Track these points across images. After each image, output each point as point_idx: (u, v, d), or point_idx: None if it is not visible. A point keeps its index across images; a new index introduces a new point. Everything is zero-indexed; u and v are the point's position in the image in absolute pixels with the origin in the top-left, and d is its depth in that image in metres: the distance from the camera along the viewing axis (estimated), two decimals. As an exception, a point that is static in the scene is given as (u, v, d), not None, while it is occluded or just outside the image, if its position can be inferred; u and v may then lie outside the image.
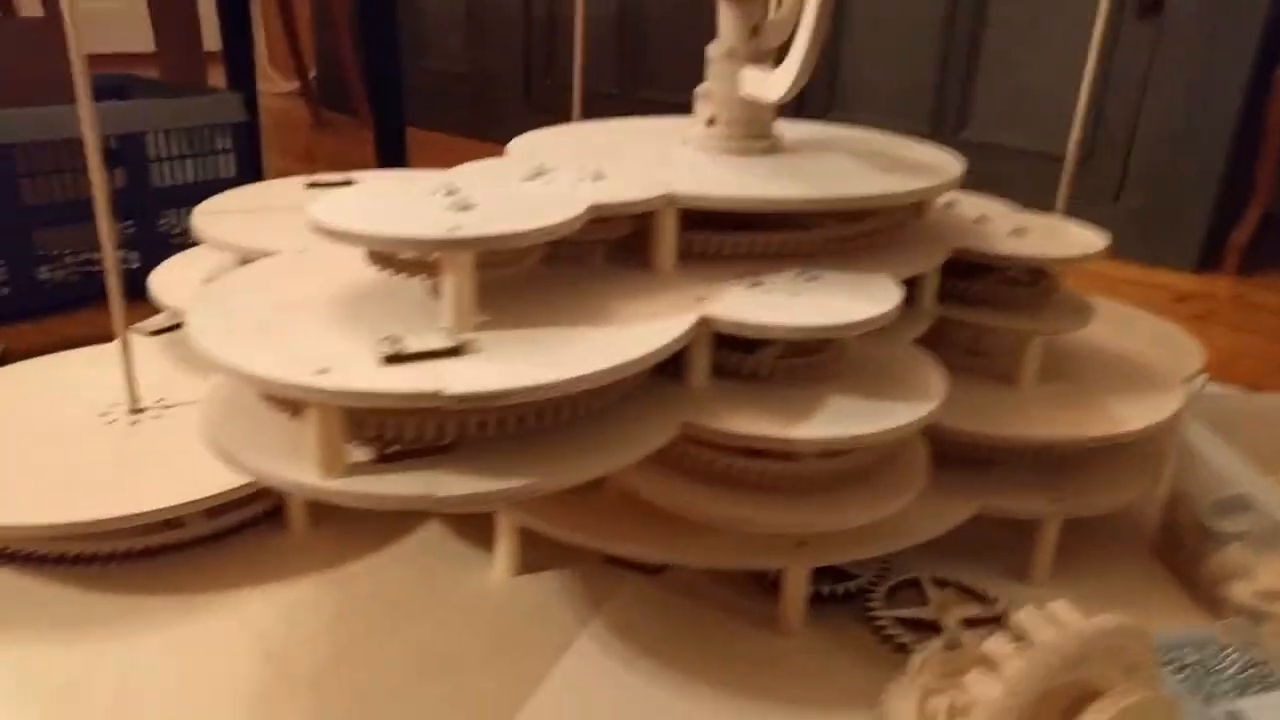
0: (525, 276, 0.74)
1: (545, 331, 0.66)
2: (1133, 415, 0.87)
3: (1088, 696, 0.59)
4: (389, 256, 0.69)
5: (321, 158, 2.82)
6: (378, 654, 0.75)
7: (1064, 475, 0.89)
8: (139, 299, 1.66)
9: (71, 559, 0.83)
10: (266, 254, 0.85)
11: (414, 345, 0.60)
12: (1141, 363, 0.98)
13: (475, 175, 0.78)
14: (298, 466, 0.61)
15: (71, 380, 1.01)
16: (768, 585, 0.83)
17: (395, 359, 0.59)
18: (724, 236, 0.78)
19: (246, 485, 0.83)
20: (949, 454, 0.85)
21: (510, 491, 0.60)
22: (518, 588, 0.84)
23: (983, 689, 0.58)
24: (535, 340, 0.64)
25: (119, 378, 0.97)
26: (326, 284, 0.74)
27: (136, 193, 1.65)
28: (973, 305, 0.90)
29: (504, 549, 0.85)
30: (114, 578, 0.83)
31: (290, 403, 0.64)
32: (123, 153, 1.65)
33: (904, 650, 0.76)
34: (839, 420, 0.69)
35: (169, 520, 0.85)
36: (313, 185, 1.12)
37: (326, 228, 0.63)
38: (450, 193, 0.70)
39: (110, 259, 0.89)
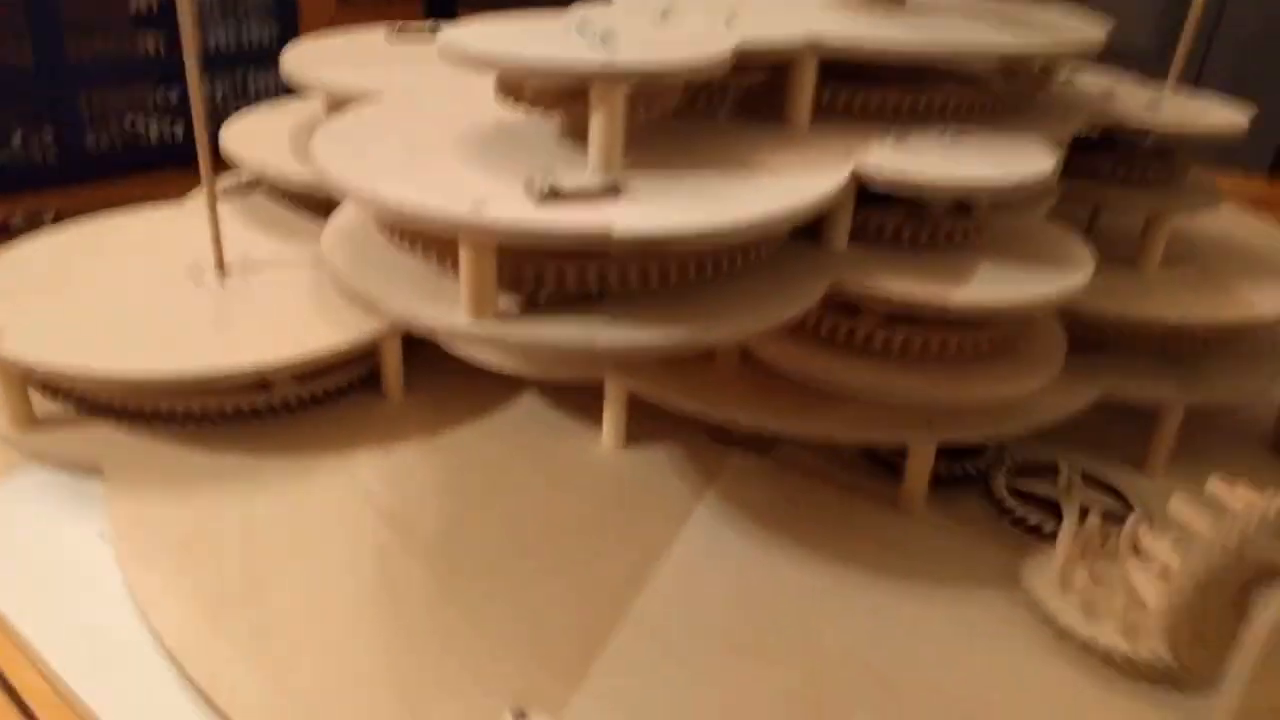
0: (656, 126, 0.69)
1: (696, 178, 0.62)
2: (1265, 301, 0.83)
3: (1262, 576, 0.57)
4: (520, 91, 0.65)
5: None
6: (494, 520, 0.73)
7: (1183, 366, 0.86)
8: (185, 167, 1.62)
9: (179, 416, 0.80)
10: (366, 97, 0.81)
11: (569, 184, 0.56)
12: (1263, 253, 0.94)
13: (602, 15, 0.73)
14: (446, 309, 0.57)
15: (149, 238, 0.97)
16: (884, 464, 0.81)
17: (550, 197, 0.55)
18: (862, 92, 0.73)
19: (347, 346, 0.80)
20: (1070, 337, 0.82)
21: (671, 343, 0.57)
22: (625, 460, 0.82)
23: (1149, 586, 0.56)
24: (690, 186, 0.60)
25: (196, 236, 0.94)
26: (446, 125, 0.69)
27: (180, 55, 1.58)
28: (1099, 181, 0.86)
29: (611, 420, 0.82)
30: (218, 438, 0.80)
31: (428, 243, 0.60)
32: (163, 14, 1.58)
33: (1033, 531, 0.74)
34: (994, 286, 0.66)
35: (265, 382, 0.83)
36: (401, 30, 1.05)
37: (468, 52, 0.59)
38: (584, 28, 0.65)
39: (199, 115, 0.84)
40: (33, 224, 1.28)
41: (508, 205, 0.55)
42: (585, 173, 0.59)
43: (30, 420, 0.80)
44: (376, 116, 0.72)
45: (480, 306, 0.56)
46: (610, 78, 0.57)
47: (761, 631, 0.65)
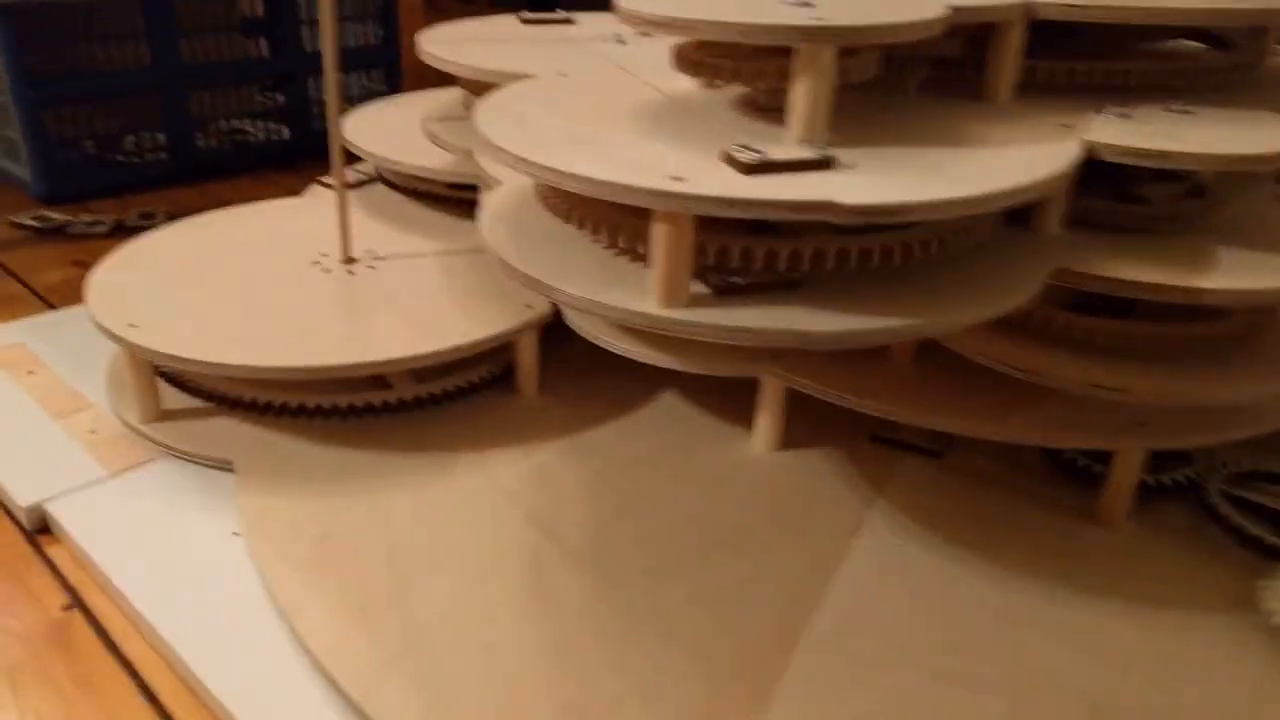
0: (848, 100, 0.63)
1: (907, 152, 0.55)
2: None
3: None
4: (701, 61, 0.59)
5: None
6: (647, 529, 0.67)
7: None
8: (290, 168, 1.61)
9: (308, 410, 0.76)
10: (512, 78, 0.76)
11: (778, 154, 0.50)
12: None
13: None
14: (630, 295, 0.52)
15: (272, 230, 0.94)
16: (1073, 470, 0.73)
17: (758, 168, 0.50)
18: (1066, 64, 0.66)
19: (483, 340, 0.75)
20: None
21: (889, 332, 0.51)
22: (781, 464, 0.75)
23: None
24: (905, 160, 0.54)
25: (319, 228, 0.90)
26: (610, 102, 0.64)
27: (287, 58, 1.57)
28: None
29: (766, 420, 0.76)
30: (348, 433, 0.76)
31: (607, 224, 0.55)
32: (270, 19, 1.57)
33: (1256, 544, 0.66)
34: (1245, 273, 0.58)
35: (395, 377, 0.78)
36: (528, 22, 1.01)
37: (660, 17, 0.53)
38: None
39: (334, 106, 0.80)
40: (146, 224, 1.27)
41: (710, 178, 0.49)
42: (786, 144, 0.53)
43: (159, 413, 0.76)
44: (536, 93, 0.67)
45: (673, 291, 0.51)
46: (822, 37, 0.51)
47: (959, 654, 0.58)
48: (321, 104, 1.71)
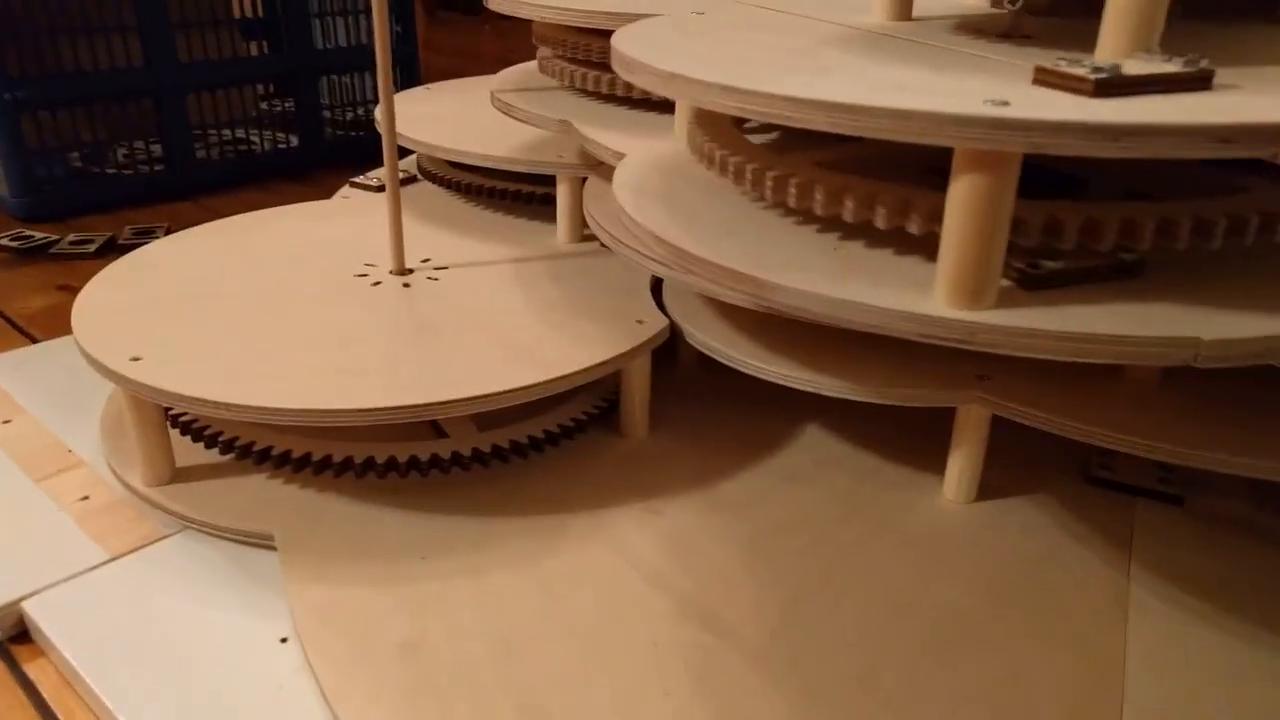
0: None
1: None
2: None
3: None
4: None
5: (437, 45, 2.57)
6: (844, 615, 0.50)
7: None
8: (298, 178, 1.44)
9: (368, 465, 0.58)
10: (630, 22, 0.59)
11: (1138, 70, 0.33)
12: None
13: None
14: (900, 293, 0.34)
15: (303, 237, 0.76)
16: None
17: (1114, 86, 0.32)
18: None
19: (596, 364, 0.57)
20: None
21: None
22: (989, 518, 0.58)
23: None
24: None
25: (358, 235, 0.73)
26: (793, 37, 0.47)
27: (295, 57, 1.40)
28: None
29: (963, 461, 0.58)
30: (423, 493, 0.58)
31: (830, 190, 0.38)
32: (275, 17, 1.41)
33: None
34: None
35: (455, 423, 0.61)
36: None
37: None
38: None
39: (386, 86, 0.62)
40: (142, 241, 1.09)
41: (1048, 103, 0.32)
42: (1139, 59, 0.36)
43: (172, 472, 0.58)
44: (693, 28, 0.50)
45: (978, 282, 0.33)
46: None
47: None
48: (335, 108, 1.54)
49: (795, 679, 0.45)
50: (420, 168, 0.92)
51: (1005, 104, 0.32)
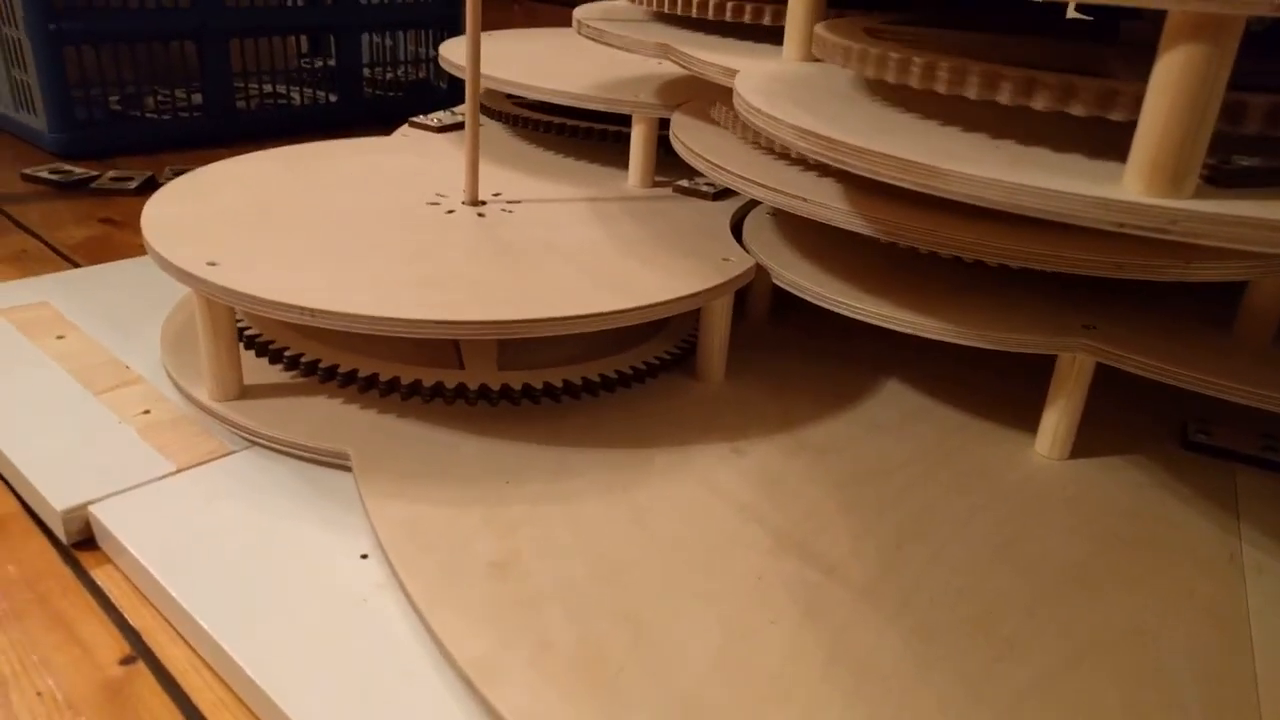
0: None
1: None
2: None
3: None
4: None
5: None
6: (949, 558, 0.47)
7: None
8: (338, 131, 1.41)
9: (441, 390, 0.56)
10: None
11: None
12: None
13: None
14: (1092, 179, 0.32)
15: (369, 168, 0.74)
16: None
17: None
18: None
19: (687, 297, 0.55)
20: None
21: None
22: (1086, 475, 0.56)
23: None
24: None
25: (424, 168, 0.71)
26: None
27: (336, 11, 1.38)
28: None
29: (1060, 415, 0.56)
30: (500, 421, 0.56)
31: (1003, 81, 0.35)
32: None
33: None
34: None
35: (556, 352, 0.59)
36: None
37: None
38: None
39: (475, 23, 0.60)
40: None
41: None
42: None
43: (241, 388, 0.56)
44: None
45: (1182, 165, 0.31)
46: None
47: None
48: (374, 67, 1.52)
49: (908, 618, 0.43)
50: (483, 108, 0.90)
51: None
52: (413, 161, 0.75)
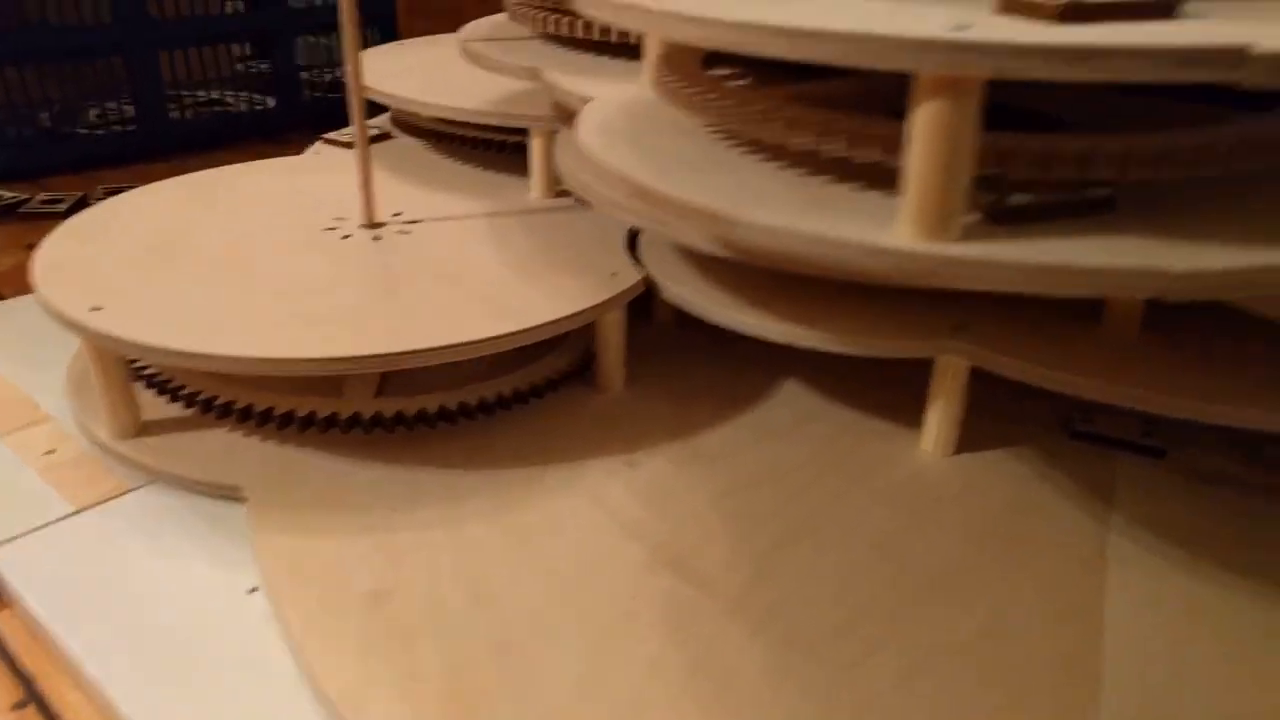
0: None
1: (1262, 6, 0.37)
2: None
3: None
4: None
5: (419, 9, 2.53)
6: (822, 564, 0.49)
7: None
8: (276, 141, 1.41)
9: (338, 421, 0.57)
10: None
11: None
12: None
13: None
14: (866, 225, 0.34)
15: (269, 191, 0.75)
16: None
17: (1077, 13, 0.32)
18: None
19: (571, 316, 0.56)
20: None
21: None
22: (968, 470, 0.57)
23: None
24: (1265, 11, 0.36)
25: (328, 188, 0.71)
26: None
27: (269, 17, 1.37)
28: None
29: (941, 414, 0.58)
30: (395, 448, 0.57)
31: (796, 122, 0.37)
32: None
33: None
34: None
35: (450, 372, 0.60)
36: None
37: None
38: None
39: (353, 48, 0.61)
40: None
41: (1013, 28, 0.31)
42: None
43: (138, 425, 0.57)
44: None
45: (943, 214, 0.33)
46: None
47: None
48: (312, 69, 1.51)
49: (773, 628, 0.45)
50: (396, 122, 0.90)
51: (967, 28, 0.31)
52: (318, 182, 0.76)
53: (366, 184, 0.67)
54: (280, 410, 0.56)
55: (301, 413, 0.56)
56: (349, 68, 0.63)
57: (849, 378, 0.66)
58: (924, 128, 0.33)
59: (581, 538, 0.50)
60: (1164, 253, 0.33)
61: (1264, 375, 0.50)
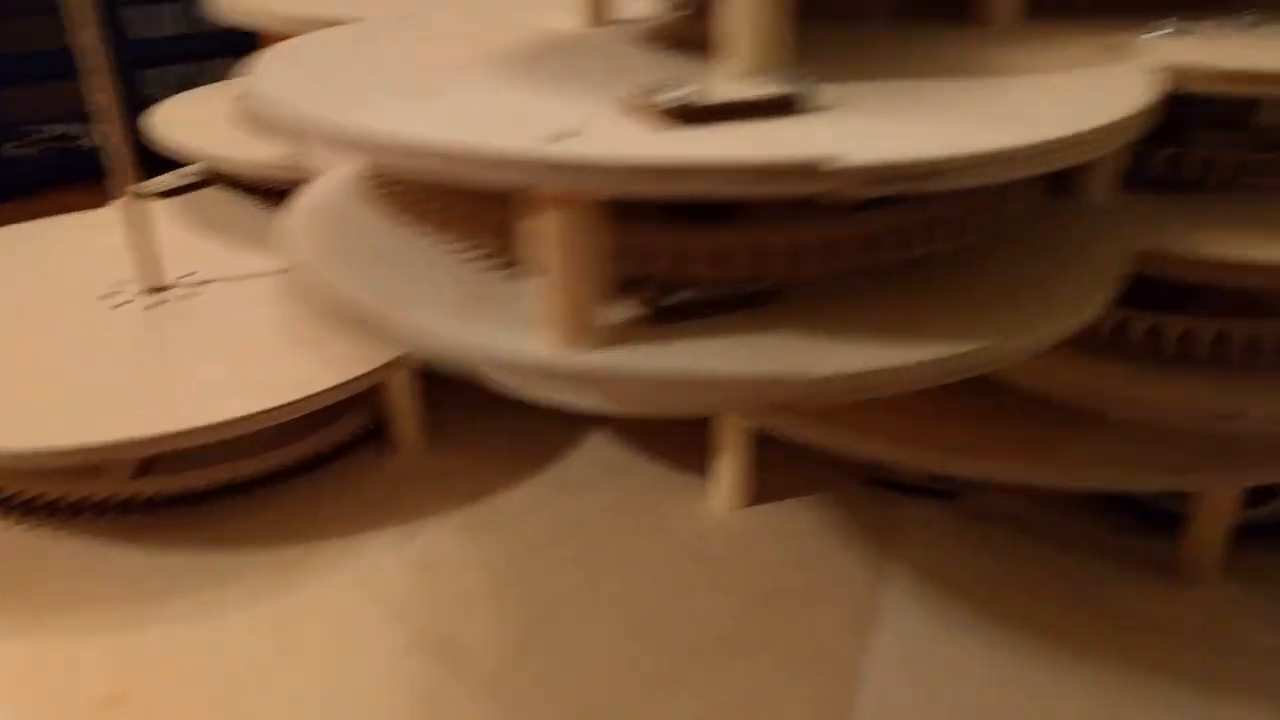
0: (804, 28, 0.44)
1: (905, 90, 0.37)
2: None
3: None
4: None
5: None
6: (586, 639, 0.48)
7: None
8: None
9: (92, 505, 0.54)
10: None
11: (718, 94, 0.32)
12: None
13: None
14: (512, 329, 0.32)
15: (56, 252, 0.71)
16: (1137, 510, 0.57)
17: (687, 116, 0.31)
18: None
19: (337, 388, 0.54)
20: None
21: (940, 365, 0.33)
22: (756, 524, 0.57)
23: None
24: (906, 99, 0.35)
25: (125, 249, 0.68)
26: (465, 47, 0.45)
27: (110, 45, 1.32)
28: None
29: (729, 470, 0.57)
30: (161, 529, 0.55)
31: (467, 221, 0.35)
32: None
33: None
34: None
35: (230, 443, 0.57)
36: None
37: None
38: None
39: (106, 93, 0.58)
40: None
41: (615, 135, 0.30)
42: (724, 80, 0.34)
43: (-124, 521, 0.54)
44: (359, 37, 0.47)
45: (575, 323, 0.31)
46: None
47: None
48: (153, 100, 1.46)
49: (527, 709, 0.43)
50: (210, 171, 0.87)
51: (573, 135, 0.30)
52: (115, 243, 0.73)
53: (143, 246, 0.64)
54: (24, 496, 0.53)
55: (49, 497, 0.53)
56: (102, 119, 0.60)
57: (656, 426, 0.65)
58: (543, 234, 0.32)
59: (344, 622, 0.48)
60: (809, 352, 0.33)
61: (1019, 434, 0.50)
